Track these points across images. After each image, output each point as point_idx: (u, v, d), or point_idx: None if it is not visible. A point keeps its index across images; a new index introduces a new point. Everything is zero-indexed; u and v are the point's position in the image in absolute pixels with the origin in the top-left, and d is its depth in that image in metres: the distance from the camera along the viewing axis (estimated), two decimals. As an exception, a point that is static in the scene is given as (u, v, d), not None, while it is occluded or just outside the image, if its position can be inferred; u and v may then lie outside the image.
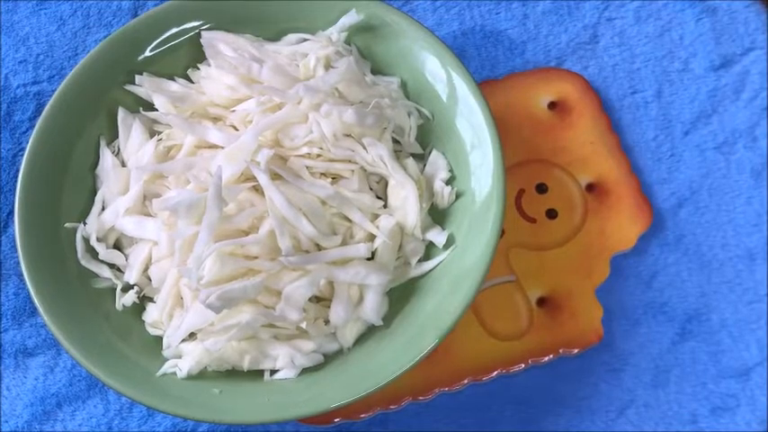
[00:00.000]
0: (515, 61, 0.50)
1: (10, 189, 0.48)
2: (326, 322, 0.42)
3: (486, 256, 0.40)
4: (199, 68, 0.46)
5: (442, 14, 0.50)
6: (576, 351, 0.45)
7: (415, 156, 0.44)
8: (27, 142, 0.43)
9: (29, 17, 0.50)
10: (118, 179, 0.44)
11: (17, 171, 0.43)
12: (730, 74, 0.49)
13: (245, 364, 0.41)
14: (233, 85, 0.43)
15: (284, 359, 0.41)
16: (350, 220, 0.42)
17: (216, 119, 0.44)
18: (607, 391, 0.46)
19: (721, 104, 0.49)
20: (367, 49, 0.45)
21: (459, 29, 0.50)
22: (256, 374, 0.41)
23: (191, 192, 0.40)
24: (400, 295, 0.43)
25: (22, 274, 0.41)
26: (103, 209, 0.44)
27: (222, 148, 0.42)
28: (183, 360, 0.41)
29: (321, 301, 0.42)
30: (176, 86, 0.45)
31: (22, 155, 0.43)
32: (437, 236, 0.43)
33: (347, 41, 0.45)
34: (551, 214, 0.47)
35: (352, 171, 0.42)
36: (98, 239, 0.43)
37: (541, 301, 0.46)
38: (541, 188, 0.48)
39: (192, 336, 0.41)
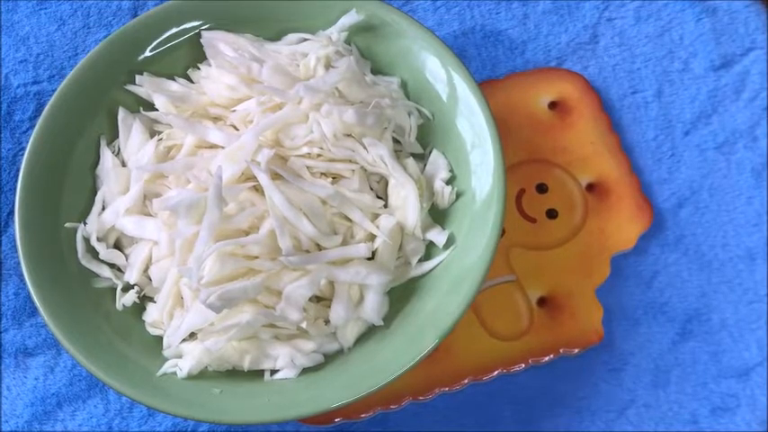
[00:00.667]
0: (515, 61, 0.50)
1: (10, 189, 0.48)
2: (327, 322, 0.42)
3: (487, 256, 0.40)
4: (199, 68, 0.46)
5: (442, 14, 0.50)
6: (576, 351, 0.45)
7: (415, 155, 0.44)
8: (27, 142, 0.43)
9: (29, 17, 0.50)
10: (118, 179, 0.44)
11: (17, 171, 0.43)
12: (730, 74, 0.49)
13: (246, 364, 0.41)
14: (233, 85, 0.43)
15: (284, 359, 0.41)
16: (350, 220, 0.42)
17: (216, 119, 0.44)
18: (607, 391, 0.46)
19: (721, 104, 0.49)
20: (367, 49, 0.45)
21: (459, 29, 0.50)
22: (257, 374, 0.41)
23: (191, 192, 0.40)
24: (400, 295, 0.43)
25: (22, 274, 0.41)
26: (104, 209, 0.44)
27: (222, 147, 0.42)
28: (184, 360, 0.41)
29: (321, 300, 0.42)
30: (176, 86, 0.45)
31: (22, 155, 0.43)
32: (437, 236, 0.43)
33: (347, 41, 0.45)
34: (551, 214, 0.47)
35: (353, 171, 0.42)
36: (98, 239, 0.43)
37: (542, 301, 0.46)
38: (542, 188, 0.48)
39: (192, 336, 0.41)
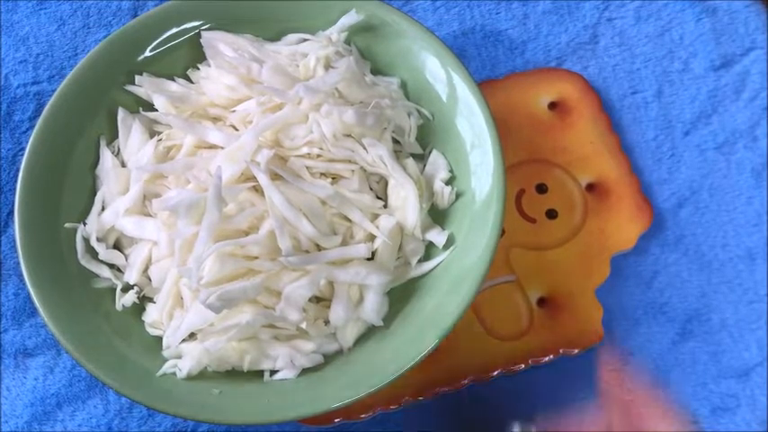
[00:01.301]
0: (515, 61, 0.50)
1: (10, 189, 0.48)
2: (326, 322, 0.42)
3: (487, 257, 0.40)
4: (199, 69, 0.46)
5: (442, 14, 0.50)
6: (576, 351, 0.45)
7: (415, 156, 0.44)
8: (27, 142, 0.43)
9: (29, 17, 0.50)
10: (118, 179, 0.44)
11: (17, 171, 0.43)
12: (730, 74, 0.49)
13: (245, 365, 0.41)
14: (233, 86, 0.43)
15: (284, 359, 0.41)
16: (350, 221, 0.42)
17: (216, 119, 0.44)
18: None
19: (721, 104, 0.49)
20: (367, 49, 0.45)
21: (459, 29, 0.50)
22: (256, 375, 0.41)
23: (191, 192, 0.40)
24: (400, 295, 0.43)
25: (22, 274, 0.41)
26: (103, 209, 0.44)
27: (222, 148, 0.42)
28: (183, 360, 0.41)
29: (321, 301, 0.42)
30: (176, 87, 0.45)
31: (22, 155, 0.43)
32: (437, 236, 0.43)
33: (347, 41, 0.45)
34: (551, 214, 0.47)
35: (352, 171, 0.42)
36: (98, 239, 0.43)
37: (542, 301, 0.46)
38: (541, 188, 0.48)
39: (191, 336, 0.41)
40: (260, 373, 0.41)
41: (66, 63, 0.50)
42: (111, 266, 0.43)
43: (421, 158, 0.45)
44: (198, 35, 0.45)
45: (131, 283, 0.43)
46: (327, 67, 0.44)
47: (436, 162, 0.44)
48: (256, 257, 0.40)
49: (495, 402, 0.45)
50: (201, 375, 0.41)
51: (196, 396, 0.40)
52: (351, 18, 0.44)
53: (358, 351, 0.42)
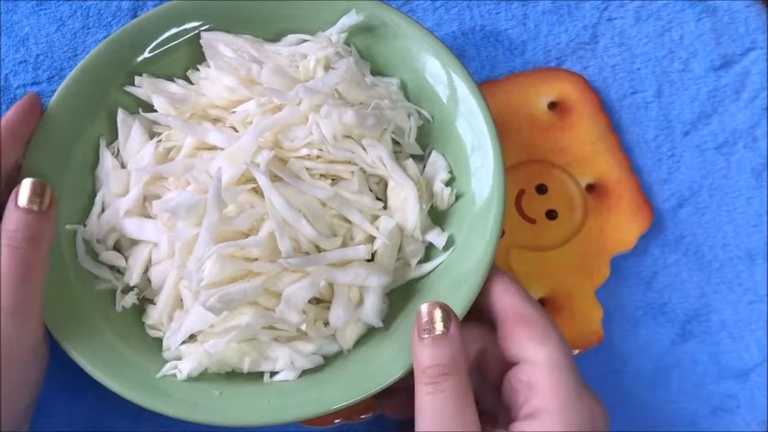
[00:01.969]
0: (515, 61, 0.50)
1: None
2: (326, 324, 0.42)
3: (487, 258, 0.40)
4: (198, 70, 0.45)
5: (441, 15, 0.50)
6: (576, 352, 0.45)
7: (414, 157, 0.44)
8: (27, 143, 0.43)
9: (29, 17, 0.50)
10: (118, 180, 0.43)
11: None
12: (730, 74, 0.49)
13: (245, 366, 0.41)
14: (233, 87, 0.43)
15: (284, 361, 0.41)
16: (350, 222, 0.42)
17: (216, 120, 0.44)
18: (607, 392, 0.46)
19: (721, 104, 0.49)
20: (367, 50, 0.45)
21: (459, 29, 0.50)
22: (256, 376, 0.42)
23: (190, 193, 0.40)
24: (400, 297, 0.43)
25: (22, 275, 0.41)
26: (103, 210, 0.44)
27: (222, 149, 0.42)
28: (183, 362, 0.41)
29: (321, 302, 0.42)
30: (176, 88, 0.45)
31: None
32: (437, 237, 0.43)
33: (347, 42, 0.45)
34: (551, 215, 0.47)
35: (352, 172, 0.42)
36: (98, 241, 0.43)
37: (541, 302, 0.46)
38: (541, 188, 0.48)
39: (192, 337, 0.41)
40: (260, 375, 0.42)
41: (66, 64, 0.49)
42: (112, 268, 0.43)
43: (421, 159, 0.45)
44: (197, 36, 0.45)
45: (131, 284, 0.43)
46: (327, 68, 0.44)
47: (436, 163, 0.44)
48: (256, 259, 0.40)
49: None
50: (202, 377, 0.41)
51: (196, 398, 0.40)
52: (350, 19, 0.44)
53: (358, 352, 0.42)
